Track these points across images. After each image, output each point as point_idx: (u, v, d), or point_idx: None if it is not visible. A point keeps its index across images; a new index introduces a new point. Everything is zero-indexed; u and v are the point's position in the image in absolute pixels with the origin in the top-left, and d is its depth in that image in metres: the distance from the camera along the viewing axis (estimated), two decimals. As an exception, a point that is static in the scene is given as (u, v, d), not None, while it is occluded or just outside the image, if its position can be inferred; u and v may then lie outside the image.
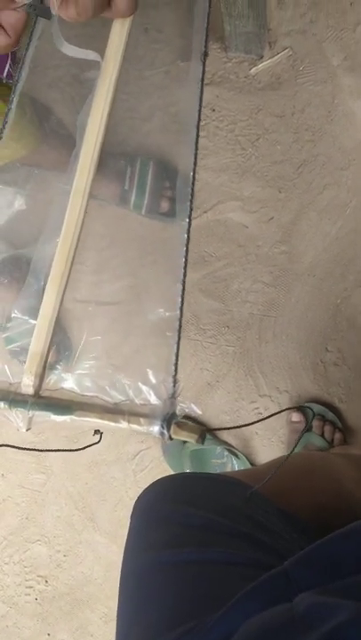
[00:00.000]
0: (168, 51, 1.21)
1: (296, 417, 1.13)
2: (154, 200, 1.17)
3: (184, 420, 0.39)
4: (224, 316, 1.23)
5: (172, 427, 0.38)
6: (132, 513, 0.66)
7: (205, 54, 0.44)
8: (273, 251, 1.20)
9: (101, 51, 0.52)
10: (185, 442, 1.18)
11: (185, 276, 0.41)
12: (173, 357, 0.40)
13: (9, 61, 1.26)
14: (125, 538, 0.62)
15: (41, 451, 0.51)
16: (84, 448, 0.51)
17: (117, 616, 0.57)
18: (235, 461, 1.17)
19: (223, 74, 1.21)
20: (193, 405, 1.25)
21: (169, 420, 0.39)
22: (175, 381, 0.40)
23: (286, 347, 1.20)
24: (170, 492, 0.64)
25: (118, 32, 0.44)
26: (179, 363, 1.24)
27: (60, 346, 1.18)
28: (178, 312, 0.41)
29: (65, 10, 0.41)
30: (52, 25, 0.50)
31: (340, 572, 0.45)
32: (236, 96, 1.20)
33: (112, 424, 0.40)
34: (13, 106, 0.59)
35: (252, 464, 1.18)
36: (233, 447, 1.18)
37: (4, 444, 0.52)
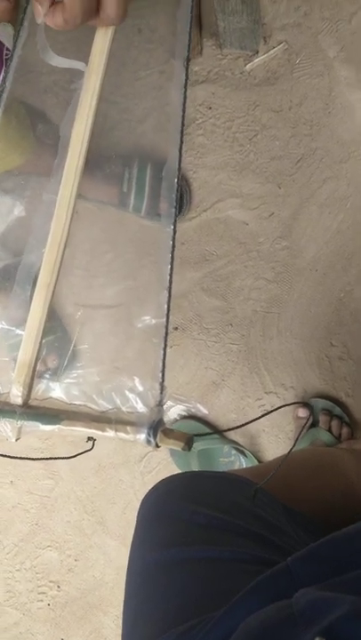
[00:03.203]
0: (162, 50, 1.21)
1: (302, 412, 1.13)
2: (153, 201, 1.17)
3: (170, 428, 0.38)
4: (227, 314, 1.22)
5: (159, 434, 0.38)
6: (139, 511, 0.66)
7: (188, 59, 0.43)
8: (274, 247, 1.19)
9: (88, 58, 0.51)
10: (192, 442, 1.17)
11: (171, 283, 0.40)
12: (160, 364, 0.40)
13: (3, 68, 1.26)
14: (134, 538, 0.62)
15: (37, 459, 0.51)
16: (76, 455, 0.51)
17: (123, 613, 0.57)
18: (243, 459, 1.16)
19: (218, 71, 1.20)
20: (199, 405, 1.25)
21: (155, 427, 0.38)
22: (162, 388, 0.40)
23: (291, 343, 1.19)
24: (176, 491, 0.64)
25: (101, 40, 0.43)
26: (181, 366, 1.23)
27: (63, 350, 1.19)
28: (164, 319, 0.40)
29: (52, 17, 0.41)
30: (36, 33, 0.49)
31: (342, 569, 0.45)
32: (232, 93, 1.19)
33: (99, 432, 0.39)
34: (1, 107, 0.58)
35: (259, 462, 1.18)
36: (240, 445, 1.17)
37: (1, 453, 0.52)
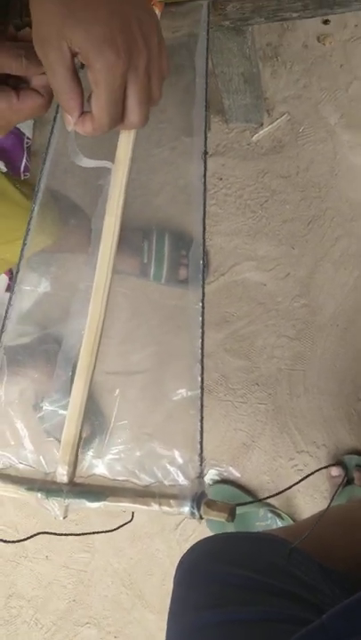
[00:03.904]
0: (172, 128, 1.29)
1: (335, 471, 1.11)
2: (172, 269, 1.22)
3: (213, 499, 0.39)
4: (252, 373, 1.23)
5: (202, 507, 0.39)
6: (175, 574, 0.66)
7: (205, 153, 0.47)
8: (293, 305, 1.21)
9: (112, 150, 0.56)
10: (226, 506, 1.16)
11: (203, 356, 0.43)
12: (198, 436, 0.41)
13: (25, 156, 1.35)
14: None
15: (77, 535, 0.52)
16: (118, 528, 0.52)
17: None
18: (279, 522, 1.14)
19: (227, 143, 1.27)
20: (231, 468, 1.24)
21: (198, 500, 0.39)
22: (202, 460, 0.41)
23: (318, 399, 1.19)
24: (211, 553, 0.64)
25: (125, 141, 0.48)
26: (210, 429, 1.24)
27: (93, 418, 1.20)
28: (199, 391, 0.42)
29: (82, 125, 0.45)
30: (67, 139, 0.54)
31: None
32: (241, 163, 1.25)
33: (144, 507, 0.41)
34: (38, 202, 0.63)
35: (297, 524, 1.15)
36: (276, 508, 1.15)
37: (42, 531, 0.53)
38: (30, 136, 1.37)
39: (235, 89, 1.13)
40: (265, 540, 0.68)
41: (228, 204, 1.24)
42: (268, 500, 1.17)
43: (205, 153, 0.47)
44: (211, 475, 1.20)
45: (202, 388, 0.42)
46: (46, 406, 0.48)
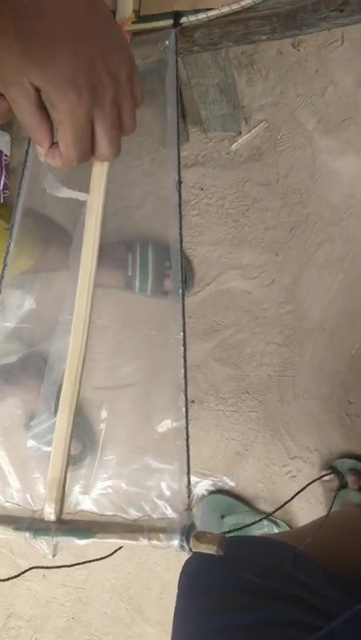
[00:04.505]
0: (152, 140, 1.28)
1: (328, 477, 1.12)
2: (157, 281, 1.21)
3: (202, 531, 0.39)
4: (242, 381, 1.23)
5: (191, 540, 0.39)
6: (179, 580, 0.66)
7: (180, 182, 0.47)
8: (279, 311, 1.22)
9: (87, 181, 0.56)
10: (222, 516, 1.16)
11: (186, 385, 0.42)
12: (185, 467, 0.41)
13: (4, 173, 1.34)
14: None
15: (69, 566, 0.52)
16: (112, 554, 0.51)
17: None
18: (275, 530, 1.14)
19: (206, 153, 1.27)
20: (225, 478, 1.24)
21: (187, 532, 0.39)
22: (190, 492, 0.41)
23: (309, 404, 1.20)
24: (215, 558, 0.64)
25: (98, 173, 0.48)
26: (203, 439, 1.23)
27: (83, 435, 1.20)
28: (184, 421, 0.42)
29: (52, 158, 0.45)
30: (40, 168, 0.54)
31: None
32: (221, 172, 1.25)
33: (133, 542, 0.40)
34: (17, 224, 0.62)
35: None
36: (275, 518, 1.15)
37: (34, 566, 0.52)
38: (8, 153, 1.36)
39: (211, 100, 1.13)
40: (269, 544, 0.69)
41: (210, 214, 1.24)
42: (265, 509, 1.17)
43: (180, 182, 0.47)
44: (205, 485, 1.20)
45: (186, 419, 0.42)
46: (36, 426, 0.47)
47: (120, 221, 1.29)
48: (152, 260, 1.22)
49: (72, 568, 1.26)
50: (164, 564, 1.20)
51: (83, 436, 1.19)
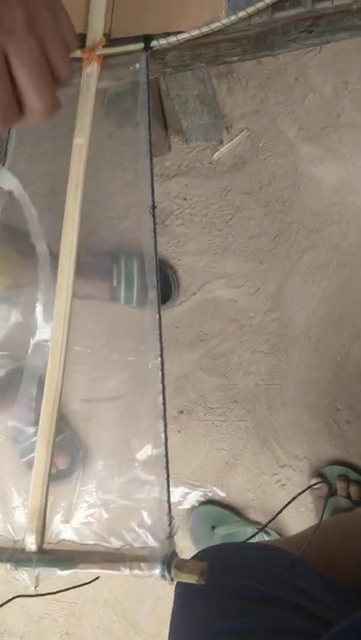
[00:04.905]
0: (134, 151, 1.28)
1: (317, 486, 1.12)
2: (143, 291, 1.21)
3: (184, 560, 0.39)
4: (230, 391, 1.23)
5: (173, 569, 0.39)
6: (176, 586, 0.65)
7: (154, 207, 0.47)
8: (265, 320, 1.22)
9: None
10: (213, 526, 1.16)
11: (165, 412, 0.42)
12: (165, 494, 0.41)
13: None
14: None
15: (53, 593, 0.51)
16: (97, 578, 0.51)
17: None
18: (266, 539, 1.14)
19: (188, 163, 1.27)
20: (215, 488, 1.24)
21: (169, 561, 0.39)
22: (170, 519, 0.41)
23: (297, 412, 1.20)
24: (212, 564, 0.63)
25: (72, 201, 0.47)
26: (192, 449, 1.23)
27: (72, 449, 1.19)
28: (163, 448, 0.42)
29: None
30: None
31: None
32: (203, 182, 1.25)
33: (115, 572, 0.40)
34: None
35: (284, 538, 1.16)
36: (268, 531, 1.15)
37: (18, 595, 0.52)
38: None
39: (191, 110, 1.13)
40: (265, 550, 0.69)
41: (194, 224, 1.24)
42: (255, 518, 1.17)
43: (154, 207, 0.47)
44: (195, 496, 1.20)
45: (166, 446, 0.42)
46: (22, 442, 0.47)
47: (104, 232, 1.28)
48: (137, 270, 1.22)
49: (65, 583, 1.24)
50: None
51: (71, 450, 1.19)
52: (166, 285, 1.22)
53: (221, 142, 1.27)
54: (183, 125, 1.20)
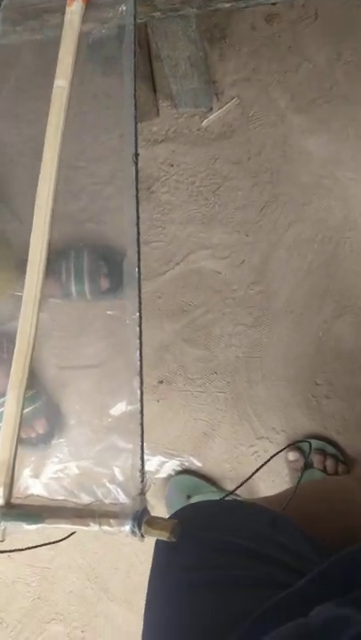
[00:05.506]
0: (119, 113, 1.24)
1: (292, 456, 1.13)
2: (93, 282, 1.17)
3: (155, 517, 0.38)
4: (211, 362, 1.23)
5: (143, 525, 0.38)
6: (156, 541, 0.65)
7: (137, 155, 0.45)
8: (249, 292, 1.21)
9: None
10: (189, 496, 1.16)
11: (142, 368, 0.41)
12: (139, 451, 0.40)
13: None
14: (142, 602, 0.61)
15: (20, 550, 0.51)
16: (66, 538, 0.50)
17: (144, 624, 0.57)
18: (241, 509, 1.15)
19: (176, 129, 1.24)
20: (192, 458, 1.24)
21: (140, 518, 0.38)
22: (143, 476, 0.40)
23: (277, 386, 1.20)
24: (194, 519, 0.63)
25: (51, 145, 0.45)
26: (170, 419, 1.22)
27: (50, 414, 1.18)
28: (139, 405, 0.41)
29: None
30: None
31: (356, 585, 0.46)
32: (191, 149, 1.23)
33: (84, 528, 0.39)
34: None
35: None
36: (238, 495, 1.16)
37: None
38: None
39: (182, 73, 1.10)
40: (246, 507, 0.69)
41: (181, 192, 1.22)
42: (230, 487, 1.17)
43: (137, 155, 0.45)
44: (172, 465, 1.20)
45: (141, 402, 0.41)
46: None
47: (88, 198, 1.25)
48: (87, 262, 1.18)
49: (38, 548, 1.25)
50: (130, 543, 1.20)
51: (50, 415, 1.18)
52: (120, 273, 1.19)
53: (211, 109, 1.24)
54: (173, 90, 1.17)
